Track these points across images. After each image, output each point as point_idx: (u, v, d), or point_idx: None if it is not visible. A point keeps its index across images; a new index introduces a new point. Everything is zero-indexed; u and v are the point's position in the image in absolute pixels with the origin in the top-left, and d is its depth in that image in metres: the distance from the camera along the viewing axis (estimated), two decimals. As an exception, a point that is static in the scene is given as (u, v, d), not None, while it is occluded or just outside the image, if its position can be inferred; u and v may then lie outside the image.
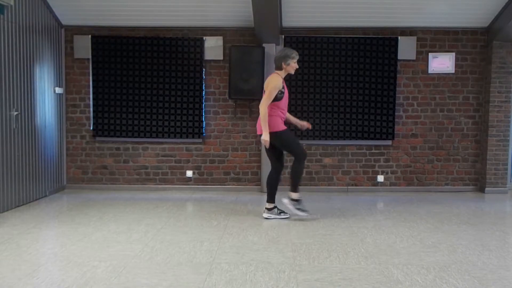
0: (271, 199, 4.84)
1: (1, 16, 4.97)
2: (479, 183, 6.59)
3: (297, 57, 4.71)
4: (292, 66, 4.67)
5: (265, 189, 6.39)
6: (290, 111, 6.35)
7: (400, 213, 5.15)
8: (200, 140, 6.52)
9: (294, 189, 4.78)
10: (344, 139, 6.45)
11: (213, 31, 6.42)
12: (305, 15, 6.18)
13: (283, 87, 4.66)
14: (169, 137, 6.47)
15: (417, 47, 6.43)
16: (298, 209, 4.77)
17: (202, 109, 6.44)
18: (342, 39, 6.35)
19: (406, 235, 4.20)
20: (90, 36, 6.38)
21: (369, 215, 5.07)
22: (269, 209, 4.84)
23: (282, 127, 4.68)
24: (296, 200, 4.78)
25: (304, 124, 5.04)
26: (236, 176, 6.57)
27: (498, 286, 2.98)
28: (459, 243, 3.95)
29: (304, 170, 4.98)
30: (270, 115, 4.62)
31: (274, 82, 4.60)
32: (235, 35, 6.43)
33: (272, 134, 4.61)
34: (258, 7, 5.65)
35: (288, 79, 6.33)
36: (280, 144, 4.72)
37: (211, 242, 3.92)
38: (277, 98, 4.60)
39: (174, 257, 3.50)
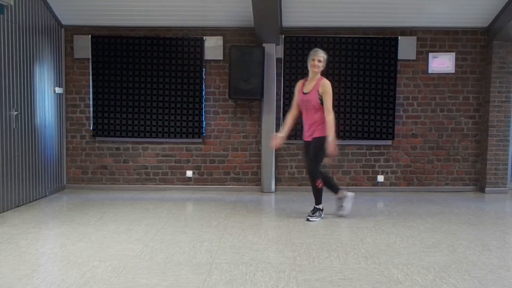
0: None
1: (1, 16, 4.97)
2: (479, 183, 6.59)
3: (312, 55, 4.73)
4: (310, 63, 4.75)
5: (265, 189, 6.42)
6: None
7: (400, 213, 5.15)
8: (200, 140, 6.52)
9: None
10: (344, 139, 6.44)
11: (213, 31, 6.42)
12: (305, 15, 6.18)
13: (298, 91, 4.85)
14: (169, 137, 6.47)
15: (417, 47, 6.42)
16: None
17: (202, 109, 6.44)
18: (342, 39, 6.35)
19: (406, 235, 4.20)
20: (90, 36, 6.38)
21: (369, 215, 5.07)
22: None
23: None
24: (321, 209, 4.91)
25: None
26: (236, 176, 6.56)
27: (498, 286, 2.98)
28: (459, 243, 3.95)
29: (324, 171, 5.29)
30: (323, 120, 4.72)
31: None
32: (235, 35, 6.43)
33: (322, 139, 4.69)
34: (258, 7, 5.65)
35: (288, 79, 6.38)
36: (321, 148, 4.70)
37: (211, 242, 3.92)
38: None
39: (174, 257, 3.50)
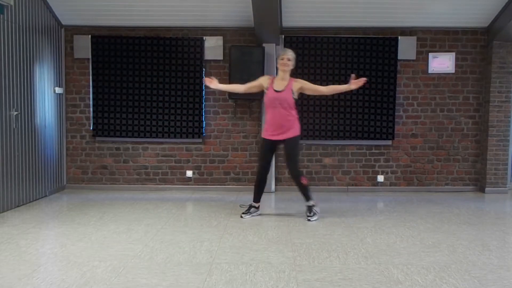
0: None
1: (1, 16, 4.97)
2: (479, 183, 6.59)
3: (282, 54, 4.76)
4: (279, 62, 4.79)
5: (265, 189, 6.39)
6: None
7: (400, 213, 5.15)
8: (200, 140, 6.52)
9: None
10: (344, 139, 6.44)
11: (213, 31, 6.42)
12: (305, 15, 6.18)
13: (267, 88, 4.80)
14: (169, 137, 6.47)
15: (417, 47, 6.43)
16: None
17: (202, 109, 6.44)
18: (342, 39, 6.35)
19: (406, 235, 4.20)
20: (90, 36, 6.38)
21: (369, 215, 5.07)
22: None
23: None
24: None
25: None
26: (236, 176, 6.56)
27: (498, 286, 2.98)
28: (459, 243, 3.95)
29: (303, 171, 5.22)
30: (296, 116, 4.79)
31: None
32: (235, 35, 6.43)
33: (298, 137, 4.80)
34: (258, 7, 5.65)
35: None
36: (297, 147, 4.83)
37: (211, 242, 3.92)
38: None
39: (174, 257, 3.50)
